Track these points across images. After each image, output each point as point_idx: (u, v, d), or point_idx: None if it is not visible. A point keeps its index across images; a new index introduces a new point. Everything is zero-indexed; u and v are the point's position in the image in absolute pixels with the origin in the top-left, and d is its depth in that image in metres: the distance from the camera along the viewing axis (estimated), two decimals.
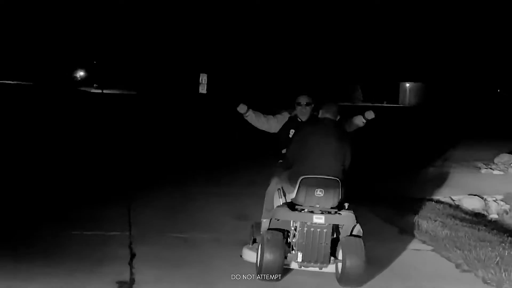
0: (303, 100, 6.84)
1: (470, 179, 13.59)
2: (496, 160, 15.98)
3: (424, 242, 8.03)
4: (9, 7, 77.37)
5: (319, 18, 69.84)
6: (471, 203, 11.26)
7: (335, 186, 5.88)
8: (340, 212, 5.94)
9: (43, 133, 19.34)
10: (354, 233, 5.97)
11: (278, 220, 5.94)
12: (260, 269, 5.78)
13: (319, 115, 6.42)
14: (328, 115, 6.31)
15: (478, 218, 10.24)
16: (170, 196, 10.07)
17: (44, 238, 7.16)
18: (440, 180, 13.24)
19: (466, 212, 10.63)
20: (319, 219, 5.78)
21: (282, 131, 6.89)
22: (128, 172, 12.63)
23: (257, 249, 5.96)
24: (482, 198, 11.53)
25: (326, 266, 5.93)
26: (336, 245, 5.96)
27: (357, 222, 5.99)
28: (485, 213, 11.04)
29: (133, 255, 6.58)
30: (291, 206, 5.95)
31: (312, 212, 5.85)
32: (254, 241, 6.40)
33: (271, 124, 6.94)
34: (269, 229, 5.94)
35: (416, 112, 42.38)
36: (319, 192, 5.84)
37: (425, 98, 68.89)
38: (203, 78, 29.74)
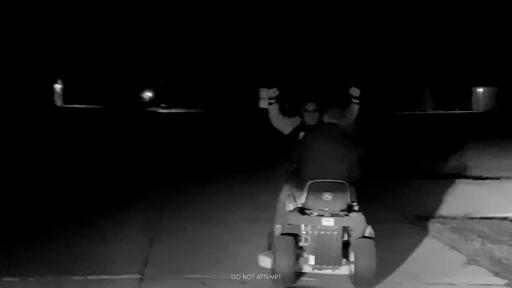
0: (310, 106, 7.00)
1: None
2: None
3: (496, 274, 6.69)
4: (81, 34, 78.91)
5: (386, 23, 67.99)
6: None
7: (343, 189, 6.03)
8: (349, 214, 5.99)
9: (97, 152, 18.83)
10: (366, 234, 6.02)
11: (290, 224, 6.04)
12: (273, 273, 5.91)
13: (324, 120, 6.60)
14: (332, 120, 6.51)
15: None
16: (198, 224, 8.92)
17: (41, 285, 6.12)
18: None
19: None
20: (328, 222, 5.89)
21: (292, 134, 7.02)
22: (161, 191, 11.78)
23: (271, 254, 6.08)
24: None
25: (338, 268, 5.99)
26: (348, 247, 6.06)
27: (368, 224, 6.03)
28: None
29: None
30: (302, 210, 6.06)
31: (322, 215, 5.94)
32: (270, 247, 6.41)
33: (286, 124, 7.13)
34: (281, 234, 6.08)
35: (490, 118, 40.08)
36: (327, 196, 5.97)
37: (500, 103, 65.82)
38: (263, 92, 28.84)
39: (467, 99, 73.96)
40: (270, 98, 7.07)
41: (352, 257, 5.92)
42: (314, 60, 69.04)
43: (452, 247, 7.76)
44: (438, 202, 10.79)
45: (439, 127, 29.78)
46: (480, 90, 72.85)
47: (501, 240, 7.87)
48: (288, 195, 6.42)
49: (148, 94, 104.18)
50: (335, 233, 5.87)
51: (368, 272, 5.78)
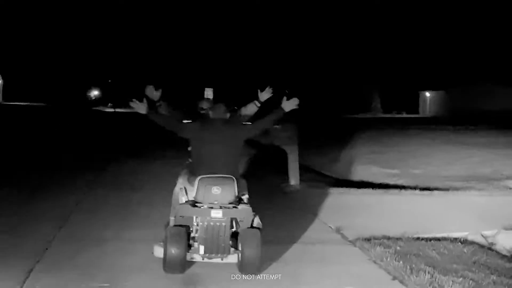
0: (205, 105, 7.31)
1: (505, 205, 10.89)
2: None
3: None
4: (23, 27, 76.40)
5: (335, 26, 67.37)
6: (509, 242, 8.49)
7: (231, 183, 6.36)
8: (237, 206, 6.29)
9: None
10: (254, 225, 6.35)
11: (182, 217, 6.29)
12: (164, 263, 6.13)
13: (210, 116, 6.78)
14: (217, 116, 6.70)
15: None
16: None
17: None
18: (464, 208, 10.52)
19: (503, 256, 7.92)
20: (217, 213, 6.19)
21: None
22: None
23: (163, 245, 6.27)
24: None
25: (227, 257, 6.32)
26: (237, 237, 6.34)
27: (255, 215, 6.38)
28: None
29: None
30: (193, 203, 6.32)
31: (211, 208, 6.23)
32: None
33: (176, 124, 7.07)
34: (174, 225, 6.31)
35: (435, 122, 39.30)
36: (216, 190, 6.28)
37: (447, 108, 65.83)
38: (209, 92, 27.56)
39: (415, 103, 74.08)
40: (156, 101, 7.17)
41: (240, 247, 6.18)
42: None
43: (395, 278, 6.50)
44: (381, 217, 9.58)
45: (382, 130, 28.62)
46: (427, 94, 72.90)
47: (453, 270, 6.67)
48: (181, 189, 6.69)
49: (94, 93, 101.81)
50: (223, 224, 6.20)
51: (254, 259, 6.09)
